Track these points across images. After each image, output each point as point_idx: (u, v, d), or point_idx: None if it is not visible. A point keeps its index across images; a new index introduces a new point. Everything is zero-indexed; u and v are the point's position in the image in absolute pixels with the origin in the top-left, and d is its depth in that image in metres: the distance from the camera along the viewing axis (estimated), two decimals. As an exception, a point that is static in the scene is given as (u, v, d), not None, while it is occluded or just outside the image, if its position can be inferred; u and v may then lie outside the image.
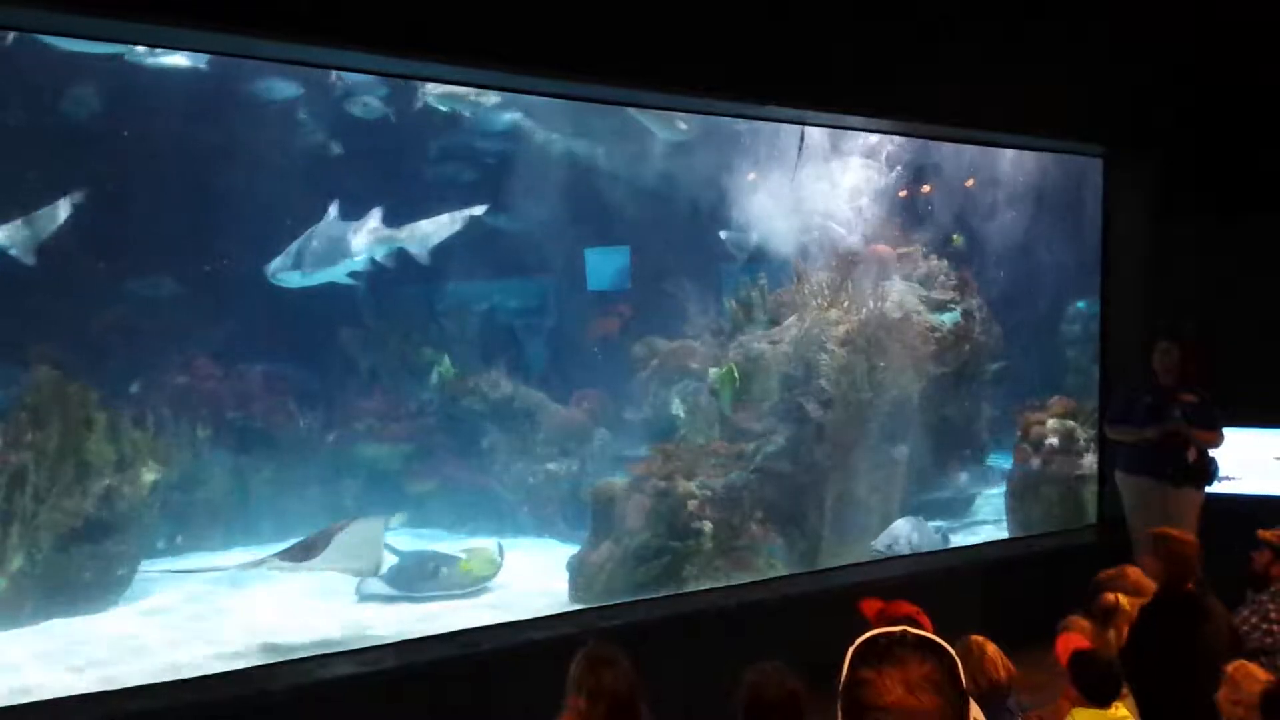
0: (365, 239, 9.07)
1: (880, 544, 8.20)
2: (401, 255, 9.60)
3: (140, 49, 8.28)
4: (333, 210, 9.15)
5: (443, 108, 9.67)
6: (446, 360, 10.52)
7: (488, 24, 5.12)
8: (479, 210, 9.34)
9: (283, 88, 9.37)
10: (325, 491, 9.77)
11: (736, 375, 8.50)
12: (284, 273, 9.07)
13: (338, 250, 9.04)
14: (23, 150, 8.64)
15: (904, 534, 8.25)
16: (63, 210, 8.14)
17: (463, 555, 8.02)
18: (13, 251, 8.12)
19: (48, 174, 8.57)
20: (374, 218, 9.11)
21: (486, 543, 8.44)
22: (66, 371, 7.52)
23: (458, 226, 9.30)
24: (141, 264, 9.20)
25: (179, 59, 8.79)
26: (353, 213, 9.22)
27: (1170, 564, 5.00)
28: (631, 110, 8.72)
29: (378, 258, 9.16)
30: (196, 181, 9.15)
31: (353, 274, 9.25)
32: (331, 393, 10.34)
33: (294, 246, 9.11)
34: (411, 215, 9.37)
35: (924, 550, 8.22)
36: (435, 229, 9.27)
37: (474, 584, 7.80)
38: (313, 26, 4.68)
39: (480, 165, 10.59)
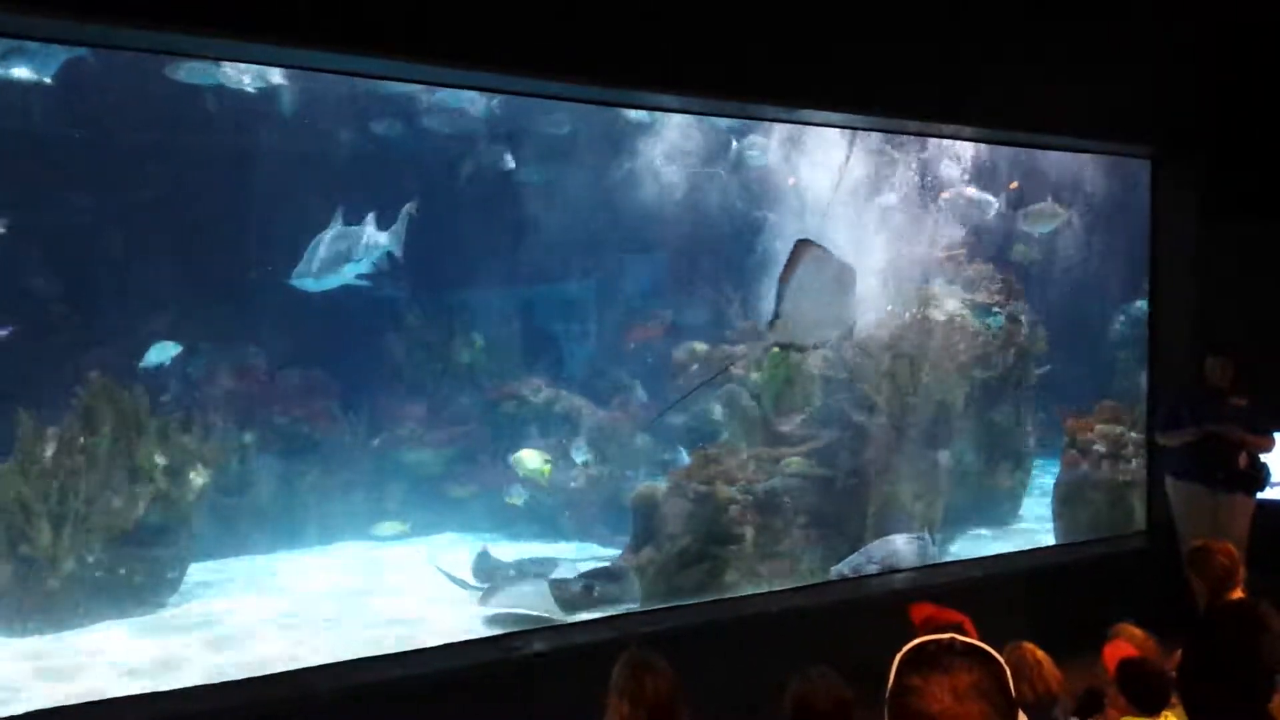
0: (362, 243, 9.25)
1: (845, 567, 7.63)
2: (442, 260, 9.73)
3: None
4: (338, 215, 9.30)
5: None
6: (479, 340, 10.63)
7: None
8: (412, 205, 9.43)
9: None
10: (369, 495, 9.90)
11: (788, 366, 8.36)
12: (299, 278, 9.26)
13: (340, 255, 9.22)
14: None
15: (880, 554, 7.73)
16: None
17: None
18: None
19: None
20: (370, 222, 9.28)
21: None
22: (117, 378, 7.66)
23: (406, 223, 9.40)
24: (187, 271, 9.35)
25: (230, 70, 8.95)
26: (356, 216, 9.38)
27: (1210, 577, 4.91)
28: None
29: (373, 261, 9.30)
30: (237, 187, 9.31)
31: (363, 276, 9.37)
32: (376, 397, 10.45)
33: (307, 252, 9.30)
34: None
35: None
36: (401, 229, 9.38)
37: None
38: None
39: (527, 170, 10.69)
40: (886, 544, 7.84)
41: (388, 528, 9.67)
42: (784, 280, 6.94)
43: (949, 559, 8.35)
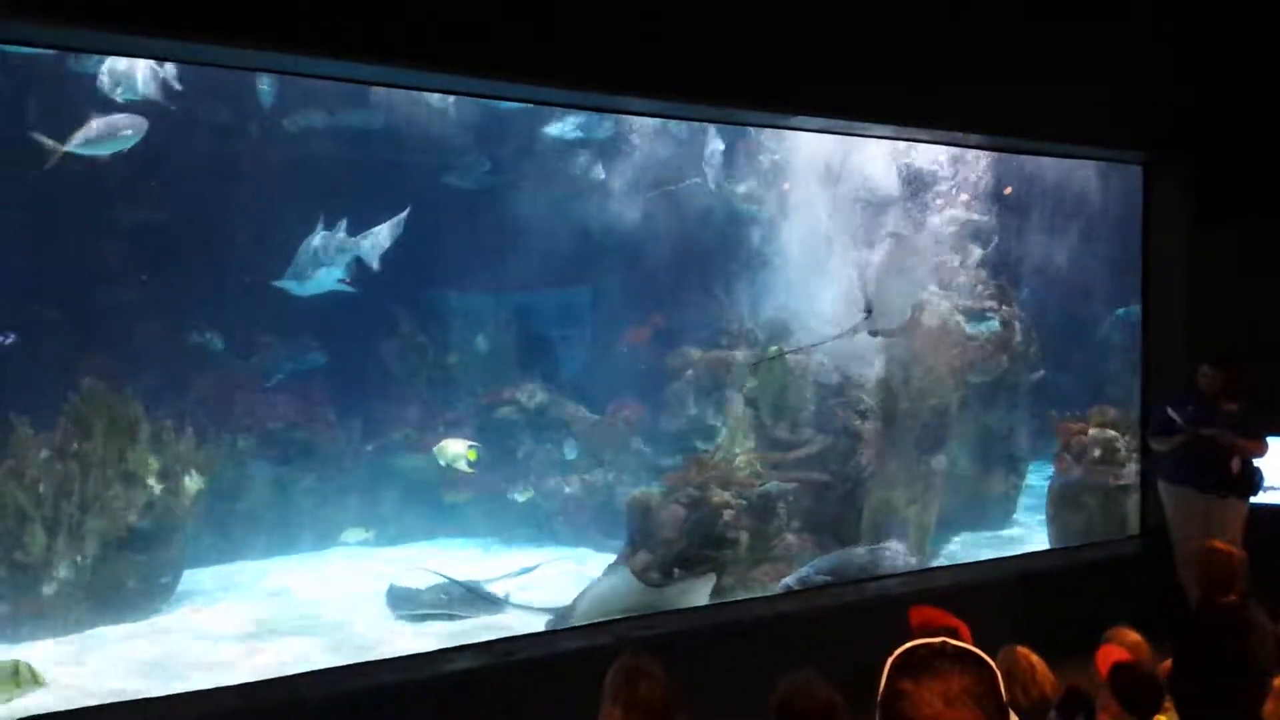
0: (336, 248, 9.28)
1: (792, 580, 7.48)
2: (437, 266, 9.69)
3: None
4: (320, 222, 9.33)
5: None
6: (474, 345, 10.75)
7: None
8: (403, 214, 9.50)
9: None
10: (363, 501, 9.88)
11: (784, 371, 8.35)
12: (283, 282, 9.30)
13: (319, 260, 9.26)
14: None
15: (828, 566, 7.56)
16: None
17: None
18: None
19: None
20: (341, 228, 9.32)
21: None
22: (112, 383, 7.65)
23: (398, 232, 9.45)
24: (183, 278, 9.34)
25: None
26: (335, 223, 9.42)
27: (1212, 576, 4.92)
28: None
29: (346, 267, 9.34)
30: (231, 193, 9.30)
31: (352, 281, 9.39)
32: (370, 403, 10.44)
33: (295, 258, 9.36)
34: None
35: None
36: (382, 237, 9.40)
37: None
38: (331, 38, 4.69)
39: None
40: (838, 557, 7.75)
41: (371, 534, 9.66)
42: (875, 271, 7.43)
43: (941, 563, 8.36)
